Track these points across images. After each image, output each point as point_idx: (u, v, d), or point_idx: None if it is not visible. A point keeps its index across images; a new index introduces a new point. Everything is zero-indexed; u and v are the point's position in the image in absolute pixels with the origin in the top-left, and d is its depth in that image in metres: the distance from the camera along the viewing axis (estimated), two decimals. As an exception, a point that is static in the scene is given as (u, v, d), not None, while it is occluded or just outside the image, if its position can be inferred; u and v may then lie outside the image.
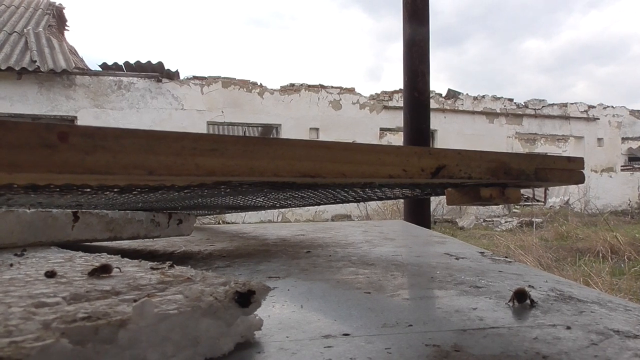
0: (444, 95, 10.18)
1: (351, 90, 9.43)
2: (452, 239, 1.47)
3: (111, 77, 8.02)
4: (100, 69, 8.10)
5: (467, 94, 10.23)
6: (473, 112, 10.16)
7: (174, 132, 0.43)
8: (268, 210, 5.86)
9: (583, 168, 0.71)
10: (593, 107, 11.17)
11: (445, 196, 0.79)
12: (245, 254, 1.16)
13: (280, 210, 7.93)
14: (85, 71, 7.97)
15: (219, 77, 8.68)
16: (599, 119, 11.11)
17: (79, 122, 7.53)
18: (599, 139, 11.13)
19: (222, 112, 8.64)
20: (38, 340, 0.32)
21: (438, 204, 8.69)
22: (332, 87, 9.35)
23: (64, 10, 10.08)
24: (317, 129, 9.11)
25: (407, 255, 1.09)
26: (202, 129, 8.35)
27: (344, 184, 0.74)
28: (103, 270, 0.56)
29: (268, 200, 1.24)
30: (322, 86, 9.27)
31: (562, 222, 6.76)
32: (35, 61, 7.32)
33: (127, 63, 8.17)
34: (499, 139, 10.25)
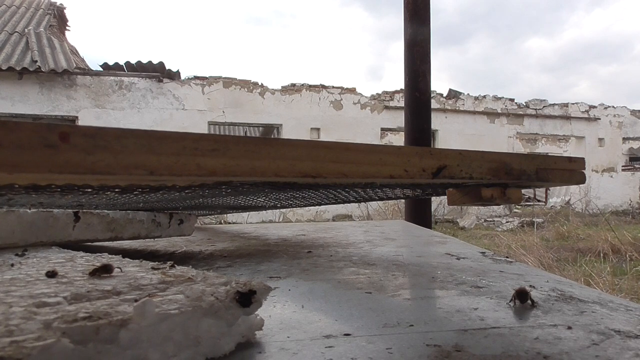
0: (445, 95, 10.17)
1: (352, 90, 9.43)
2: (453, 239, 1.47)
3: (112, 77, 8.02)
4: (101, 69, 8.10)
5: (468, 94, 10.23)
6: (474, 112, 10.15)
7: (175, 132, 0.43)
8: (269, 211, 5.86)
9: (584, 168, 0.71)
10: (594, 107, 11.16)
11: (446, 196, 0.79)
12: (246, 254, 1.16)
13: (281, 210, 7.93)
14: (87, 71, 7.98)
15: (220, 77, 8.69)
16: (600, 119, 11.10)
17: (80, 122, 7.54)
18: (600, 139, 11.12)
19: (223, 112, 8.64)
20: (39, 340, 0.32)
21: (439, 204, 8.68)
22: (333, 87, 9.35)
23: (65, 10, 10.09)
24: (318, 129, 9.11)
25: (408, 255, 1.09)
26: (203, 129, 8.36)
27: (345, 184, 0.74)
28: (104, 270, 0.56)
29: (269, 201, 1.24)
30: (323, 86, 9.28)
31: (563, 222, 6.75)
32: (36, 61, 7.33)
33: (128, 63, 8.17)
34: (500, 139, 10.24)
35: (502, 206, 9.42)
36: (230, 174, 0.45)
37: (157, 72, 8.22)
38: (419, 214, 2.58)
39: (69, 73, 7.56)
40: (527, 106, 10.65)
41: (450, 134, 9.81)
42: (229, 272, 0.90)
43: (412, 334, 0.49)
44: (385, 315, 0.57)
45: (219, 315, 0.43)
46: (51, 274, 0.55)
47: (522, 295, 0.61)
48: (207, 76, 8.65)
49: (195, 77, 8.60)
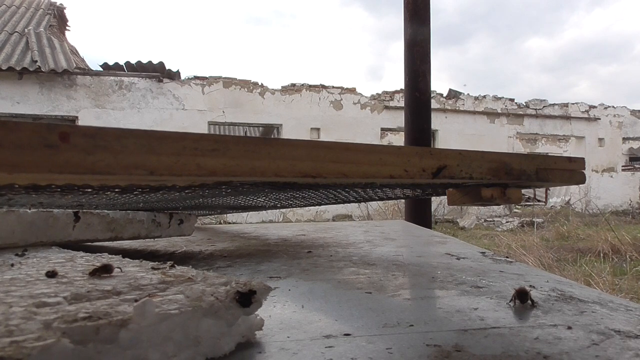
0: (445, 95, 10.17)
1: (352, 90, 9.43)
2: (453, 239, 1.47)
3: (112, 77, 8.02)
4: (101, 69, 8.10)
5: (468, 94, 10.23)
6: (474, 112, 10.15)
7: (175, 132, 0.43)
8: (269, 211, 5.86)
9: (584, 168, 0.71)
10: (594, 107, 11.16)
11: (446, 196, 0.79)
12: (247, 254, 1.16)
13: (281, 210, 7.92)
14: (87, 71, 7.98)
15: (220, 77, 8.69)
16: (600, 119, 11.10)
17: (80, 122, 7.54)
18: (600, 139, 11.12)
19: (223, 112, 8.64)
20: (39, 340, 0.32)
21: (439, 204, 8.68)
22: (333, 87, 9.35)
23: (65, 10, 10.09)
24: (318, 129, 9.11)
25: (408, 255, 1.09)
26: (203, 129, 8.35)
27: (345, 184, 0.74)
28: (104, 270, 0.56)
29: (269, 201, 1.24)
30: (323, 86, 9.28)
31: (563, 222, 6.75)
32: (36, 61, 7.33)
33: (128, 63, 8.17)
34: (500, 139, 10.24)
35: (502, 206, 9.42)
36: (230, 174, 0.45)
37: (157, 72, 8.22)
38: (419, 214, 2.58)
39: (69, 73, 7.56)
40: (527, 106, 10.65)
41: (450, 134, 9.81)
42: (229, 272, 0.90)
43: (412, 334, 0.49)
44: (385, 315, 0.57)
45: (219, 315, 0.43)
46: (51, 274, 0.55)
47: (522, 295, 0.61)
48: (207, 76, 8.65)
49: (195, 77, 8.60)
